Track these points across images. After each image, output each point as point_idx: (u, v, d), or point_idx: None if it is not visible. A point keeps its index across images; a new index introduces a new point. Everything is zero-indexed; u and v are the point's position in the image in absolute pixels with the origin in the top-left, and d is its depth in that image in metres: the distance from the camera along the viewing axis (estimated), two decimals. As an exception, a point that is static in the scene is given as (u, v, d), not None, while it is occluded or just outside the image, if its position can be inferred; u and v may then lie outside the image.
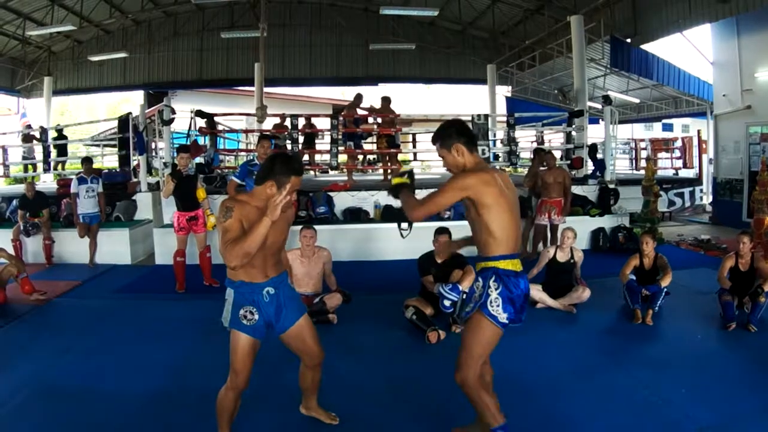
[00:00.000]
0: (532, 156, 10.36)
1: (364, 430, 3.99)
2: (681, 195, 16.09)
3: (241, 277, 3.33)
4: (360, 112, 12.39)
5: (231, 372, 3.42)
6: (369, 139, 13.54)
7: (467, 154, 3.29)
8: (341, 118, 11.92)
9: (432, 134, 3.44)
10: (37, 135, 14.39)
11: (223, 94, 23.97)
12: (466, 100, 29.45)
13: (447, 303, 5.74)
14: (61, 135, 15.27)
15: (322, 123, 12.38)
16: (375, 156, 13.51)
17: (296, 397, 4.03)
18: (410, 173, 3.52)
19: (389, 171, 12.60)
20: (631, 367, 5.02)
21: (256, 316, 3.34)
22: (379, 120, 12.34)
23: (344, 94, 27.97)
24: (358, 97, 12.36)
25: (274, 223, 3.18)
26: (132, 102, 26.03)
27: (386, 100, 12.15)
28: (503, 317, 3.20)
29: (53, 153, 14.75)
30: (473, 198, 3.17)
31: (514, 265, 3.25)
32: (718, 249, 9.80)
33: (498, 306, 3.20)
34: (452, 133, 3.31)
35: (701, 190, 17.31)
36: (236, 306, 3.34)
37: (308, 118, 13.43)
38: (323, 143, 14.17)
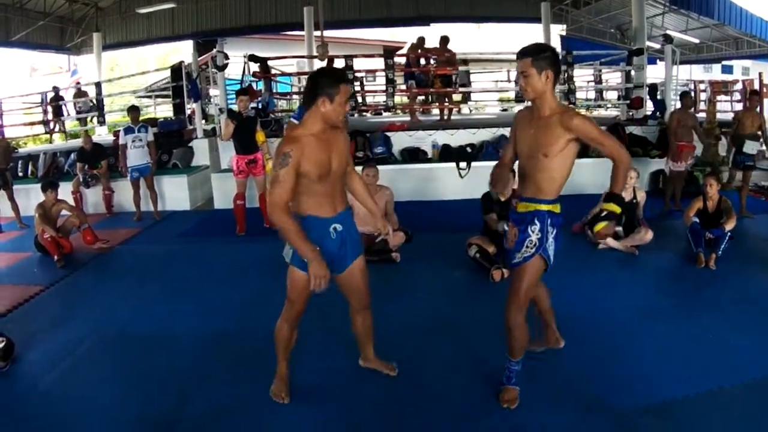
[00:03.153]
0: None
1: (427, 366, 3.98)
2: (741, 139, 15.47)
3: (310, 211, 3.23)
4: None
5: (287, 302, 3.42)
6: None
7: (551, 85, 3.10)
8: (406, 59, 11.82)
9: (523, 47, 3.16)
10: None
11: (271, 39, 23.74)
12: (516, 40, 28.73)
13: (511, 241, 5.66)
14: (57, 96, 15.24)
15: (377, 63, 12.19)
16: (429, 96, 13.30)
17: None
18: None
19: (445, 111, 12.58)
20: (696, 310, 4.93)
21: None
22: (433, 61, 12.22)
23: (394, 35, 27.58)
24: (422, 39, 12.22)
25: (335, 148, 3.20)
26: (181, 52, 26.02)
27: (444, 40, 11.99)
28: (552, 258, 3.30)
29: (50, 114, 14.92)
30: (576, 141, 3.10)
31: (559, 207, 3.28)
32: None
33: (552, 248, 3.26)
34: (548, 57, 3.08)
35: (762, 135, 16.55)
36: None
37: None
38: (376, 84, 14.03)
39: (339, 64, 10.65)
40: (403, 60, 13.46)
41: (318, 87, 3.11)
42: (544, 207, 3.20)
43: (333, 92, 3.06)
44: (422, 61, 12.62)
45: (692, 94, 10.07)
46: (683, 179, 8.75)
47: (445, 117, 12.44)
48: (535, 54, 3.07)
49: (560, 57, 3.33)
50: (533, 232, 3.22)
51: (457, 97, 13.74)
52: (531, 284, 3.30)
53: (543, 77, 3.06)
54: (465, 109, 16.67)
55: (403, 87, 12.47)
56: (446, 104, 12.63)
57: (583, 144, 3.10)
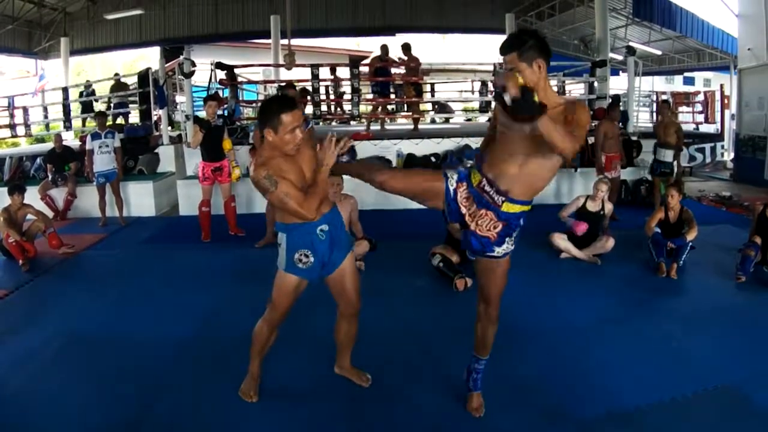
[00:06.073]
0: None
1: (389, 375, 4.00)
2: (702, 150, 15.74)
3: (294, 220, 3.22)
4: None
5: (270, 306, 3.43)
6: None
7: (545, 74, 2.78)
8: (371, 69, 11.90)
9: (505, 41, 2.80)
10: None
11: (238, 47, 23.71)
12: (481, 51, 28.98)
13: (475, 250, 5.73)
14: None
15: (343, 73, 12.26)
16: (395, 105, 13.37)
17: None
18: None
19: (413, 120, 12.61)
20: (658, 319, 5.02)
21: (312, 259, 3.28)
22: (402, 70, 12.30)
23: (359, 45, 27.65)
24: (385, 48, 12.32)
25: (308, 161, 3.19)
26: (148, 59, 25.83)
27: (406, 47, 12.03)
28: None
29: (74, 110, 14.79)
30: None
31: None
32: (741, 206, 9.68)
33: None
34: (534, 45, 2.73)
35: (722, 146, 16.84)
36: (290, 250, 3.27)
37: (333, 68, 13.31)
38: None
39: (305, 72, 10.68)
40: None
41: (261, 120, 3.14)
42: (526, 208, 2.98)
43: (275, 123, 3.05)
44: (393, 71, 12.64)
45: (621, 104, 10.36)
46: (617, 188, 9.03)
47: (412, 127, 12.43)
48: (519, 46, 2.74)
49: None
50: (515, 228, 3.01)
51: (424, 106, 13.82)
52: (506, 282, 3.16)
53: (535, 67, 2.74)
54: (436, 118, 16.81)
55: (369, 96, 12.55)
56: (412, 114, 12.64)
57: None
